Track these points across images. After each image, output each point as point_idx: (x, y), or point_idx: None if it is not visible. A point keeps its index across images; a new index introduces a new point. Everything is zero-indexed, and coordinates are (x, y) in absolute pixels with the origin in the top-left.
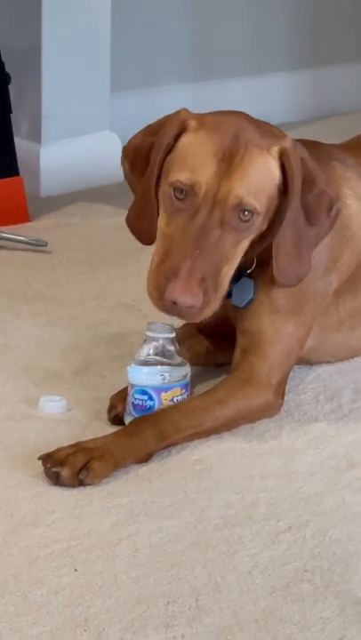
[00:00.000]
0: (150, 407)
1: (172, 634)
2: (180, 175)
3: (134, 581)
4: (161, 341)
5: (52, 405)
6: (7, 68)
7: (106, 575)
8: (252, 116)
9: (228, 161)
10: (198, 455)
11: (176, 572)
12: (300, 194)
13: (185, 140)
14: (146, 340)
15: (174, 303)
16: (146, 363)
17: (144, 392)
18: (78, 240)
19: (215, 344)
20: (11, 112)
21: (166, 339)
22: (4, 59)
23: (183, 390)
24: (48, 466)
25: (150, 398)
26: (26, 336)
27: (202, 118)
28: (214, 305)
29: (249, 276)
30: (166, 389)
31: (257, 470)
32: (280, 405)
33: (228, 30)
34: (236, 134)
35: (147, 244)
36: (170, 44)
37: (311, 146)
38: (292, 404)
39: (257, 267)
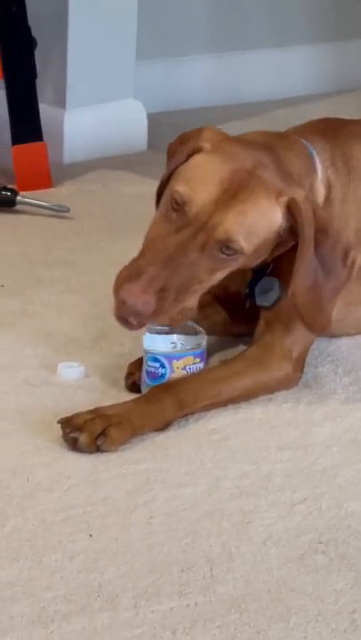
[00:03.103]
0: (162, 375)
1: (186, 602)
2: (181, 186)
3: (149, 549)
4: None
5: (71, 371)
6: (33, 33)
7: (120, 542)
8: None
9: (232, 193)
10: (215, 425)
11: (190, 541)
12: (315, 245)
13: (195, 159)
14: None
15: (124, 302)
16: (159, 330)
17: (156, 359)
18: (100, 207)
19: (231, 315)
20: (36, 77)
21: None
22: (30, 24)
23: (198, 359)
24: (67, 431)
25: (162, 366)
26: (45, 302)
27: (221, 143)
28: (170, 316)
29: (270, 274)
30: (178, 357)
31: (273, 441)
32: (299, 378)
33: (253, 1)
34: (250, 170)
35: None
36: (194, 14)
37: (335, 127)
38: (311, 376)
39: (275, 266)
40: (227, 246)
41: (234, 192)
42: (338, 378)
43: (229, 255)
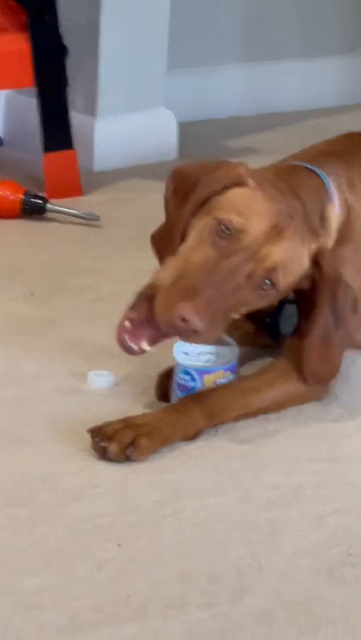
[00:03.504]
0: (192, 388)
1: (215, 612)
2: (232, 216)
3: (178, 559)
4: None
5: (100, 380)
6: (65, 41)
7: (149, 551)
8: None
9: (278, 230)
10: (245, 435)
11: (220, 552)
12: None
13: (239, 191)
14: None
15: (183, 320)
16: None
17: (187, 372)
18: (129, 216)
19: (258, 327)
20: (67, 85)
21: None
22: (62, 32)
23: (228, 372)
24: (96, 440)
25: (193, 379)
26: (74, 310)
27: (263, 183)
28: (209, 338)
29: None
30: (209, 371)
31: (304, 453)
32: (329, 389)
33: (284, 12)
34: (290, 214)
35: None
36: (226, 25)
37: (354, 142)
38: (340, 388)
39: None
40: (268, 279)
41: (281, 229)
42: None
43: (265, 290)
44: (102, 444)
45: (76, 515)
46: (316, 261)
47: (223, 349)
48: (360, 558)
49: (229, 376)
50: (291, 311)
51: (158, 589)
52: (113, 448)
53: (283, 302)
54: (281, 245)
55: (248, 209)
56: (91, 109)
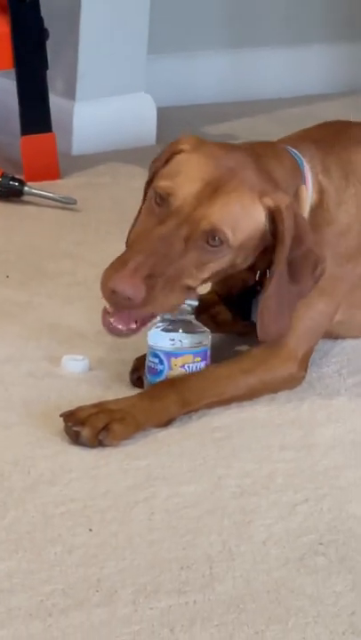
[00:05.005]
0: (160, 371)
1: (185, 600)
2: (163, 182)
3: (149, 545)
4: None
5: (75, 364)
6: (46, 24)
7: (121, 537)
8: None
9: (215, 187)
10: (218, 423)
11: (191, 539)
12: (289, 250)
13: (176, 158)
14: None
15: (114, 292)
16: (163, 328)
17: (156, 355)
18: (108, 200)
19: (236, 314)
20: (47, 68)
21: (186, 305)
22: (42, 15)
23: (198, 358)
24: (69, 424)
25: (161, 362)
26: (51, 294)
27: (201, 145)
28: (161, 304)
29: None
30: (177, 355)
31: (276, 441)
32: (303, 378)
33: None
34: (233, 169)
35: None
36: (208, 10)
37: (336, 131)
38: (315, 376)
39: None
40: (213, 237)
41: (216, 186)
42: (342, 379)
43: (216, 247)
44: (75, 429)
45: (48, 499)
46: (273, 217)
47: (193, 334)
48: (331, 547)
49: (200, 362)
50: None
51: (129, 575)
52: (86, 433)
53: (254, 291)
54: (218, 203)
55: (178, 173)
56: (70, 93)
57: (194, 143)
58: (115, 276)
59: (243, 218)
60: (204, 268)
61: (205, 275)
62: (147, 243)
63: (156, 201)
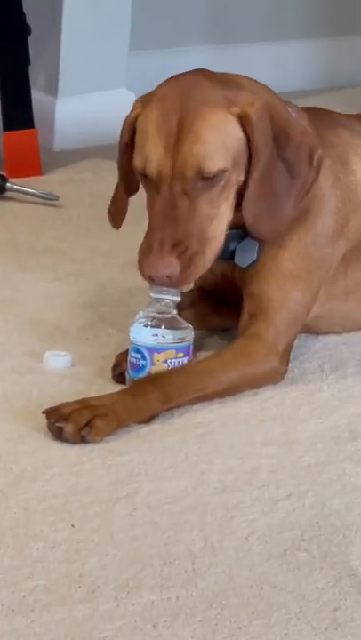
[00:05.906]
0: (143, 366)
1: (167, 595)
2: (136, 161)
3: (131, 541)
4: (162, 302)
5: (57, 360)
6: (28, 21)
7: (103, 533)
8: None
9: (178, 131)
10: (201, 418)
11: (173, 534)
12: (276, 149)
13: (138, 122)
14: (150, 300)
15: (151, 279)
16: (143, 322)
17: (138, 350)
18: (90, 196)
19: (220, 309)
20: (29, 64)
21: (168, 300)
22: (25, 11)
23: (181, 353)
24: (52, 420)
25: (143, 357)
26: (32, 290)
27: (148, 95)
28: (203, 263)
29: (254, 238)
30: (159, 350)
31: (259, 437)
32: (284, 372)
33: None
34: (184, 99)
35: (115, 228)
36: (190, 6)
37: (318, 113)
38: (297, 372)
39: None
40: (204, 174)
41: (178, 129)
42: (324, 375)
43: (214, 179)
44: (58, 425)
45: (30, 495)
46: (243, 120)
47: (176, 330)
48: (313, 543)
49: (182, 357)
50: (250, 246)
51: (111, 571)
52: (68, 429)
53: (244, 234)
54: (187, 143)
55: (143, 140)
56: (52, 89)
57: (142, 101)
58: (145, 263)
59: (219, 138)
60: (220, 200)
61: (226, 206)
62: (156, 218)
63: (144, 180)
